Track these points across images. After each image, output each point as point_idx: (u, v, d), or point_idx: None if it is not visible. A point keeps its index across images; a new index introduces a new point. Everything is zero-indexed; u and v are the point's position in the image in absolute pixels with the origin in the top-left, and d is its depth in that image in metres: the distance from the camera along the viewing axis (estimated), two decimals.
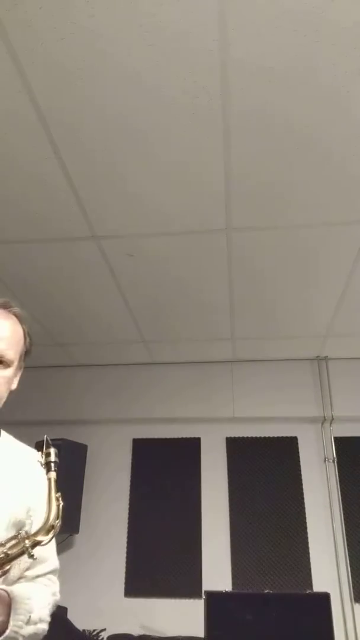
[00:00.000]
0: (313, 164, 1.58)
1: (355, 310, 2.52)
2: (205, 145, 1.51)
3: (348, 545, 2.74)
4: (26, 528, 0.94)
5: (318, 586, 2.64)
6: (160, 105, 1.39)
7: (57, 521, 0.86)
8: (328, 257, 2.06)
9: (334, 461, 2.94)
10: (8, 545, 0.83)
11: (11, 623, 0.83)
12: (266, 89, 1.34)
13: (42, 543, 0.83)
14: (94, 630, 2.48)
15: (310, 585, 2.65)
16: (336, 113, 1.40)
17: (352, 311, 2.52)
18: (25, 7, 1.15)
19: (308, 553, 2.74)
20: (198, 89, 1.34)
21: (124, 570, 2.77)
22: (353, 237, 1.94)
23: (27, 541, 0.82)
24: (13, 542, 0.83)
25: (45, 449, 0.95)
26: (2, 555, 0.81)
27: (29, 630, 0.87)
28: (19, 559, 0.84)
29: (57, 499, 0.88)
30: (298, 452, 2.98)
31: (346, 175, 1.63)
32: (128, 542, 2.84)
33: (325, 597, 2.31)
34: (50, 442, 0.98)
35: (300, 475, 2.92)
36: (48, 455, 0.93)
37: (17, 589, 0.89)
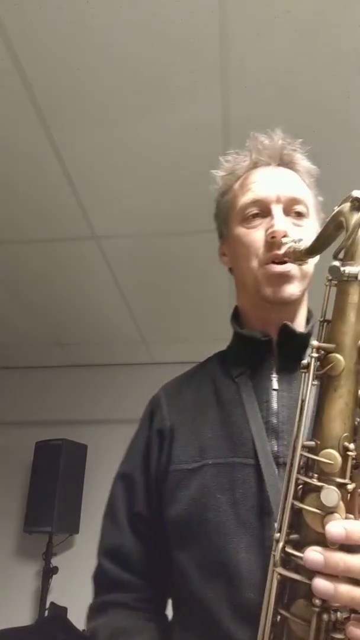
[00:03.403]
0: (313, 164, 1.58)
1: None
2: (205, 145, 1.51)
3: None
4: None
5: None
6: (160, 105, 1.39)
7: None
8: (328, 256, 2.06)
9: None
10: None
11: None
12: (266, 89, 1.34)
13: None
14: None
15: None
16: (336, 113, 1.40)
17: None
18: (25, 7, 1.14)
19: None
20: (198, 89, 1.34)
21: None
22: None
23: None
24: None
25: None
26: None
27: None
28: None
29: None
30: None
31: (347, 176, 1.63)
32: None
33: None
34: None
35: None
36: None
37: None
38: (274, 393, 0.73)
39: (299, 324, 0.79)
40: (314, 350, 0.53)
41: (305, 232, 0.75)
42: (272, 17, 1.16)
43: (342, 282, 0.53)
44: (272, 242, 0.72)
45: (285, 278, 0.72)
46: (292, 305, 0.76)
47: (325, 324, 0.55)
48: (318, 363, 0.53)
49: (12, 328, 2.77)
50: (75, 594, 2.70)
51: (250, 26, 1.18)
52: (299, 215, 0.77)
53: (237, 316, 0.86)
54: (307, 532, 0.49)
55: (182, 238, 1.96)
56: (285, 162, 0.82)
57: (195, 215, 1.82)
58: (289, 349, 0.75)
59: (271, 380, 0.74)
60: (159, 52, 1.24)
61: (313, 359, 0.53)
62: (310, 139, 1.48)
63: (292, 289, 0.73)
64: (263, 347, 0.77)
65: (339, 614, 0.46)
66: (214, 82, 1.32)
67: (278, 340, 0.76)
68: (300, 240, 0.66)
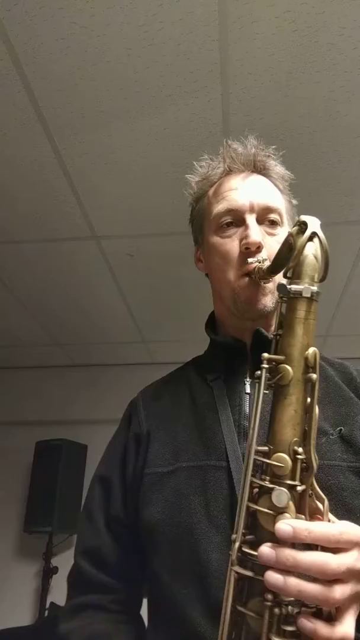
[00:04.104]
0: (313, 164, 1.58)
1: (354, 310, 2.52)
2: (205, 146, 1.51)
3: None
4: None
5: None
6: (160, 105, 1.39)
7: None
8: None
9: None
10: None
11: None
12: (266, 89, 1.34)
13: None
14: None
15: None
16: (336, 113, 1.40)
17: (351, 311, 2.52)
18: (25, 7, 1.14)
19: None
20: (198, 89, 1.34)
21: None
22: (353, 237, 1.94)
23: None
24: None
25: None
26: None
27: None
28: None
29: None
30: None
31: (346, 176, 1.63)
32: None
33: None
34: None
35: None
36: None
37: None
38: (247, 397, 0.75)
39: (272, 330, 0.82)
40: (265, 361, 0.57)
41: (278, 240, 0.77)
42: (272, 17, 1.16)
43: (290, 299, 0.57)
44: (247, 252, 0.74)
45: (260, 292, 0.74)
46: (264, 316, 0.78)
47: (277, 337, 0.59)
48: (268, 374, 0.57)
49: (12, 328, 2.77)
50: None
51: (250, 26, 1.18)
52: (273, 223, 0.78)
53: (212, 322, 0.89)
54: (261, 533, 0.52)
55: (182, 238, 1.96)
56: (259, 169, 0.83)
57: None
58: (261, 354, 0.77)
59: (244, 384, 0.76)
60: (158, 52, 1.24)
61: (264, 370, 0.57)
62: (310, 140, 1.49)
63: (265, 302, 0.75)
64: (237, 352, 0.78)
65: (289, 608, 0.49)
66: (214, 82, 1.32)
67: (251, 345, 0.78)
68: (264, 260, 0.70)
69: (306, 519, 0.51)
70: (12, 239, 1.98)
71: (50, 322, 2.69)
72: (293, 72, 1.29)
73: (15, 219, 1.86)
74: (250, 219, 0.76)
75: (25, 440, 2.96)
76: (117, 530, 0.78)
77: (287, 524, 0.48)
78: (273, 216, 0.78)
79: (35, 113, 1.41)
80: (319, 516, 0.52)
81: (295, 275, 0.58)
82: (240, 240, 0.75)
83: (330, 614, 0.49)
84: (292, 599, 0.49)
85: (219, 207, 0.79)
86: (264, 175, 0.83)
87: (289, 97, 1.36)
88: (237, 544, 0.52)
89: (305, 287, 0.56)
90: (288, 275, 0.59)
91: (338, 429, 0.71)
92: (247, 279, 0.74)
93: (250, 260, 0.72)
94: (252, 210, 0.77)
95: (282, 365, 0.55)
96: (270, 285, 0.75)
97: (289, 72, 1.29)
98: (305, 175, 1.63)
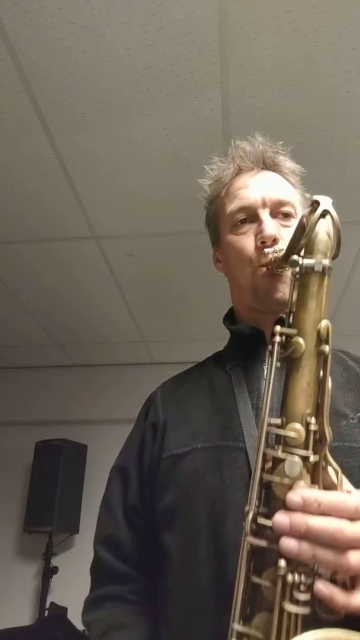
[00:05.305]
0: (313, 164, 1.58)
1: (355, 310, 2.52)
2: (205, 145, 1.51)
3: None
4: None
5: None
6: (160, 105, 1.39)
7: None
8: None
9: None
10: None
11: None
12: (266, 89, 1.34)
13: None
14: None
15: None
16: (336, 113, 1.40)
17: (352, 311, 2.52)
18: (25, 7, 1.14)
19: None
20: (198, 89, 1.34)
21: None
22: (353, 237, 1.94)
23: None
24: None
25: None
26: None
27: None
28: None
29: None
30: None
31: (346, 175, 1.63)
32: None
33: None
34: None
35: None
36: None
37: None
38: (265, 382, 0.75)
39: None
40: (277, 335, 0.57)
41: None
42: (272, 17, 1.16)
43: (302, 275, 0.58)
44: (263, 247, 0.75)
45: (278, 280, 0.75)
46: (285, 305, 0.78)
47: (291, 314, 0.60)
48: (282, 348, 0.57)
49: (12, 328, 2.77)
50: (75, 594, 2.69)
51: (250, 26, 1.18)
52: (286, 216, 0.79)
53: (231, 316, 0.89)
54: (275, 504, 0.51)
55: (182, 238, 1.96)
56: (269, 165, 0.84)
57: (196, 215, 1.81)
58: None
59: (263, 370, 0.77)
60: (158, 52, 1.24)
61: (276, 343, 0.57)
62: (310, 140, 1.49)
63: (284, 290, 0.75)
64: (256, 341, 0.79)
65: (303, 576, 0.48)
66: (214, 82, 1.32)
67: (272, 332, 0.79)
68: (281, 250, 0.70)
69: (319, 490, 0.50)
70: (12, 239, 1.98)
71: (50, 322, 2.69)
72: (293, 72, 1.29)
73: (15, 219, 1.86)
74: (264, 214, 0.77)
75: (25, 440, 2.96)
76: (134, 520, 0.79)
77: (297, 494, 0.47)
78: (286, 209, 0.79)
79: (35, 112, 1.41)
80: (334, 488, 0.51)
81: (307, 252, 0.58)
82: (256, 236, 0.76)
83: (345, 585, 0.47)
84: (306, 568, 0.47)
85: (232, 206, 0.80)
86: (275, 170, 0.84)
87: (289, 97, 1.36)
88: (250, 515, 0.52)
89: (317, 261, 0.56)
90: (301, 253, 0.59)
91: (359, 414, 0.72)
92: (264, 269, 0.74)
93: (267, 250, 0.73)
94: (264, 205, 0.78)
95: (294, 338, 0.55)
96: (289, 273, 0.75)
97: (289, 72, 1.29)
98: (305, 175, 1.62)
